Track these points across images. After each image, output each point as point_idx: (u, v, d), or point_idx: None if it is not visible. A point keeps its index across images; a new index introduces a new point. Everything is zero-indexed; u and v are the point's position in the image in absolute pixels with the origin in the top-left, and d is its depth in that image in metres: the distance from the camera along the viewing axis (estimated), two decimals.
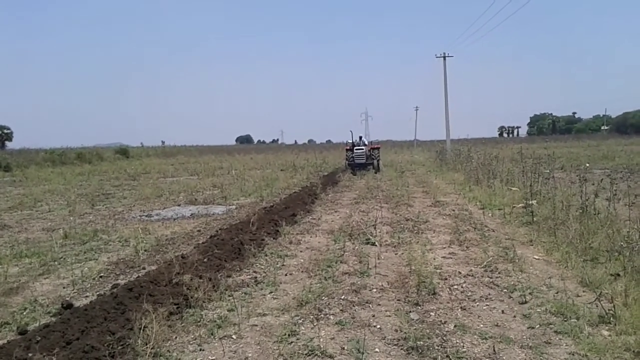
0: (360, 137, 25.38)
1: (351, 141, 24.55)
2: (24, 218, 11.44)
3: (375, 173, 21.82)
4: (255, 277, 5.93)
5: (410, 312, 4.66)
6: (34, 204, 13.92)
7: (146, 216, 11.37)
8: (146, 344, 3.78)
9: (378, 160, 23.37)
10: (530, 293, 5.02)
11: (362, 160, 22.67)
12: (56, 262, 7.05)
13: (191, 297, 4.90)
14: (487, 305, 4.82)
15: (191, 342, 4.10)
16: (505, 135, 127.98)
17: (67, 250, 7.85)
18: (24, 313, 4.96)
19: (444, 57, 33.98)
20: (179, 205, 13.11)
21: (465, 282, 5.56)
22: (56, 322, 4.33)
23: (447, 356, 3.71)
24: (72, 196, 15.51)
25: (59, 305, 5.02)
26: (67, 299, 5.27)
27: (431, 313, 4.63)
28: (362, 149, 22.84)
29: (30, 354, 3.62)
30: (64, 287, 5.87)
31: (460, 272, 5.93)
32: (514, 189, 12.21)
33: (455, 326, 4.29)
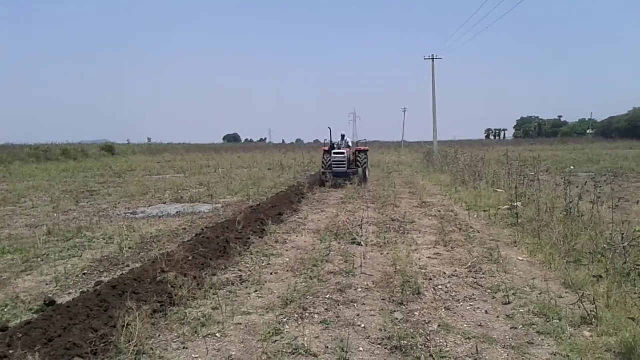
0: (343, 137, 18.80)
1: (329, 141, 18.52)
2: (7, 214, 11.27)
3: (360, 184, 16.57)
4: (241, 276, 5.91)
5: (394, 311, 4.68)
6: (18, 200, 13.74)
7: (131, 214, 11.27)
8: (129, 342, 3.75)
9: (365, 168, 17.65)
10: (513, 294, 5.08)
11: (342, 167, 17.19)
12: (39, 259, 6.96)
13: (175, 295, 4.87)
14: (471, 305, 4.86)
15: (175, 340, 4.08)
16: (492, 137, 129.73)
17: (50, 247, 7.74)
18: (6, 310, 4.89)
19: (433, 59, 34.08)
20: (164, 203, 13.00)
21: (449, 282, 5.60)
22: (38, 319, 4.27)
23: (431, 356, 3.74)
24: (57, 193, 15.34)
25: (42, 302, 4.96)
26: (50, 295, 5.21)
27: (415, 313, 4.66)
28: (343, 153, 17.22)
29: (11, 351, 3.57)
30: (46, 284, 5.80)
31: (444, 273, 5.98)
32: (499, 190, 12.34)
33: (439, 326, 4.32)
